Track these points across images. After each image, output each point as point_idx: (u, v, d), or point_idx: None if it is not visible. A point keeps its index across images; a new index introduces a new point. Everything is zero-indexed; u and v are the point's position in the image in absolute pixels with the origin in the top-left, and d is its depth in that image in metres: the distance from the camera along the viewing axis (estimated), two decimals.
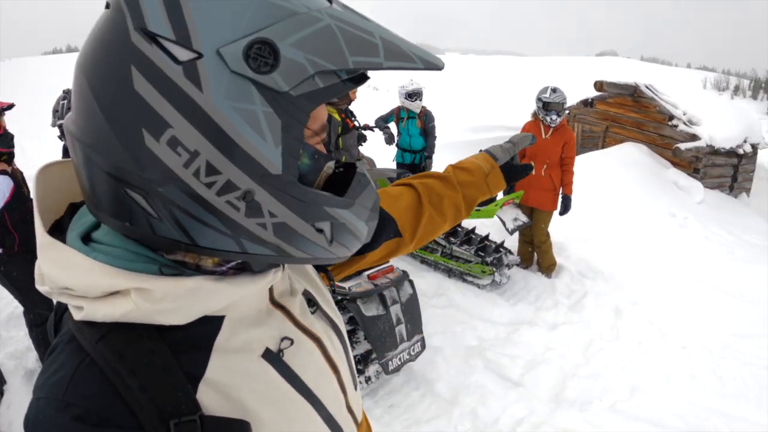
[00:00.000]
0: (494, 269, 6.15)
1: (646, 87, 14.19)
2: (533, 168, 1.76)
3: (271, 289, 0.94)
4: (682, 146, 12.61)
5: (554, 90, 6.36)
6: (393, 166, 8.31)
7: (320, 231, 0.81)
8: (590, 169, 10.92)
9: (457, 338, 5.34)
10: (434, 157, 8.26)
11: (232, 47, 0.68)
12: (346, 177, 0.90)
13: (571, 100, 16.38)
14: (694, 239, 9.39)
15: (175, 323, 0.78)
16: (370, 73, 0.82)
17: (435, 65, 0.80)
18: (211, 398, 0.80)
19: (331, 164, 0.88)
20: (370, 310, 4.30)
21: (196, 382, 0.79)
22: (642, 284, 6.72)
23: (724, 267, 8.03)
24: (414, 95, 7.82)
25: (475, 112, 26.01)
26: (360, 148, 7.50)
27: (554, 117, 6.26)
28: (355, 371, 1.12)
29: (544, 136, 6.42)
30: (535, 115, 6.54)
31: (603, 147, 14.54)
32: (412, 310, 4.52)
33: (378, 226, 1.37)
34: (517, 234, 6.73)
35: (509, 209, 6.24)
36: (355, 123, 7.13)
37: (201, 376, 0.80)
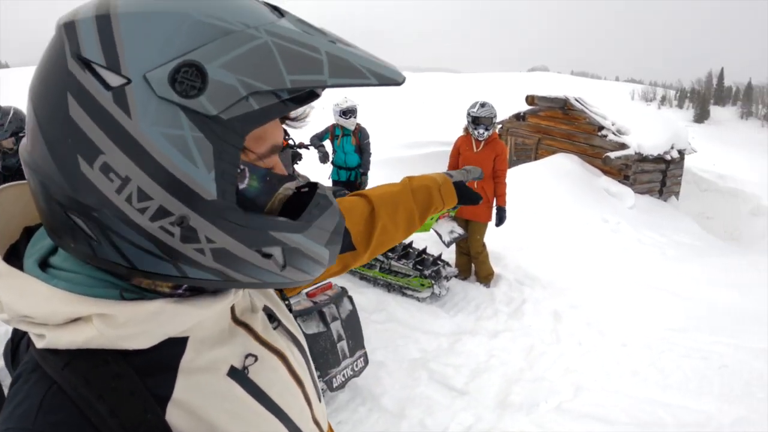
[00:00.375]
0: (433, 282, 6.22)
1: (576, 100, 14.65)
2: (482, 199, 1.80)
3: (232, 307, 0.93)
4: (612, 155, 13.01)
5: (483, 105, 6.50)
6: (329, 183, 8.31)
7: (268, 256, 0.79)
8: (524, 181, 11.15)
9: (399, 352, 5.35)
10: (369, 173, 8.31)
11: (158, 71, 0.66)
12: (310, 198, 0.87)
13: (505, 114, 16.84)
14: (628, 242, 9.68)
15: (139, 347, 0.77)
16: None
17: (391, 80, 0.76)
18: (180, 419, 0.79)
19: (290, 185, 0.85)
20: (311, 327, 4.29)
21: (165, 404, 0.78)
22: (579, 288, 6.94)
23: (658, 267, 8.36)
24: (348, 113, 7.86)
25: (410, 129, 26.37)
26: (295, 166, 7.49)
27: (482, 131, 6.40)
28: (318, 383, 1.12)
29: (475, 150, 6.55)
30: (466, 129, 6.67)
31: (536, 159, 14.89)
32: (352, 326, 4.52)
33: None
34: (454, 246, 6.85)
35: (445, 222, 6.31)
36: (290, 141, 7.13)
37: (169, 398, 0.79)
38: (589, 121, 14.28)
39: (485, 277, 6.85)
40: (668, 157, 14.97)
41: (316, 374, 1.18)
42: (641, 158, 13.73)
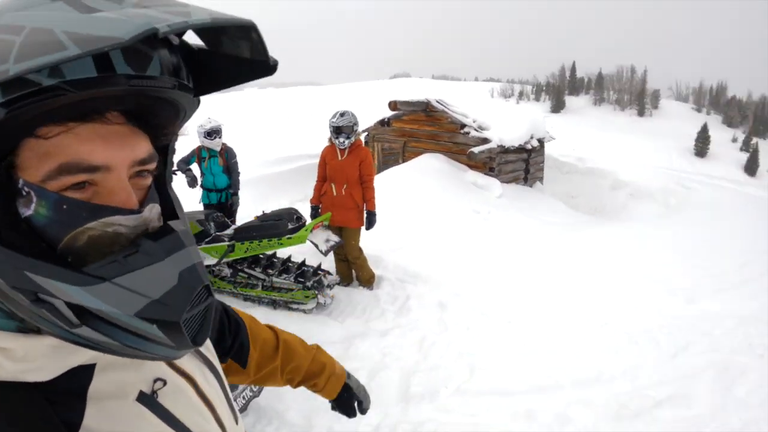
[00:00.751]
0: (316, 292, 6.26)
1: (437, 101, 15.13)
2: (356, 415, 1.74)
3: None
4: (476, 150, 13.54)
5: (342, 114, 6.61)
6: (200, 207, 8.17)
7: (40, 302, 0.67)
8: (393, 183, 11.36)
9: None
10: (240, 193, 8.25)
11: None
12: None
13: (371, 121, 17.13)
14: (500, 229, 10.12)
15: (41, 380, 0.72)
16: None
17: (109, 41, 0.55)
18: None
19: (123, 221, 0.70)
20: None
21: (76, 431, 0.74)
22: (460, 277, 7.28)
23: (530, 247, 8.89)
24: (213, 133, 7.77)
25: (278, 145, 26.20)
26: None
27: (344, 140, 6.52)
28: (235, 406, 1.09)
29: (340, 158, 6.67)
30: (331, 140, 6.77)
31: (403, 162, 15.18)
32: None
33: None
34: (332, 254, 6.92)
35: (320, 232, 6.39)
36: None
37: (79, 425, 0.74)
38: (452, 120, 14.83)
39: (367, 280, 6.96)
40: (529, 147, 15.76)
41: (232, 396, 1.13)
42: (504, 150, 14.39)
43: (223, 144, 8.02)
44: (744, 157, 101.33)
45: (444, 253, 8.15)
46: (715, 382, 4.89)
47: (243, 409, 4.31)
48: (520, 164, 16.03)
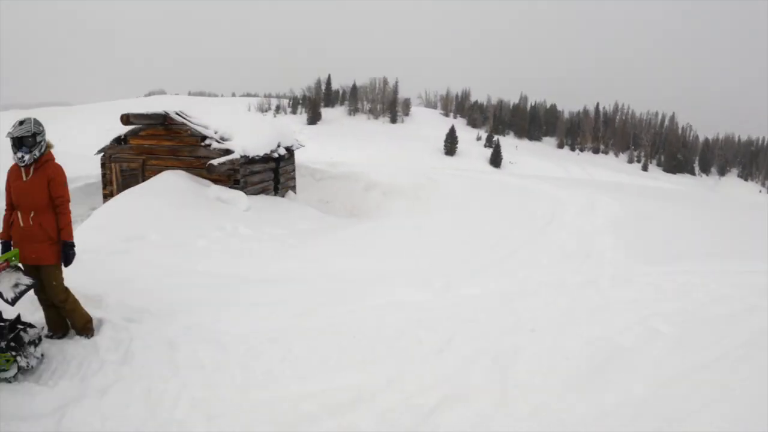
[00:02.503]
0: (14, 354, 4.95)
1: (177, 113, 14.08)
2: None
3: None
4: (215, 162, 12.83)
5: (21, 122, 5.36)
6: None
7: None
8: (129, 206, 10.32)
9: None
10: None
11: None
12: None
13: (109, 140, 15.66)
14: (247, 243, 9.59)
15: None
16: None
17: None
18: None
19: None
20: None
21: None
22: (196, 305, 6.40)
23: (278, 258, 8.50)
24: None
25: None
26: None
27: (23, 155, 5.28)
28: None
29: (25, 178, 5.41)
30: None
31: (143, 181, 13.98)
32: None
33: None
34: (37, 301, 5.71)
35: (6, 275, 5.10)
36: None
37: None
38: (192, 132, 13.88)
39: (83, 326, 5.74)
40: (276, 155, 15.32)
41: None
42: (248, 160, 13.77)
43: None
44: (488, 152, 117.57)
45: (182, 278, 7.27)
46: (491, 370, 4.64)
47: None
48: (269, 174, 15.55)
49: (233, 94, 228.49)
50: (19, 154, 5.26)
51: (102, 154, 15.85)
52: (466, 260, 7.76)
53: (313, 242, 9.62)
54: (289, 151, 16.59)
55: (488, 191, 16.60)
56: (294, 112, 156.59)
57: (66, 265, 5.56)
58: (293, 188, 17.39)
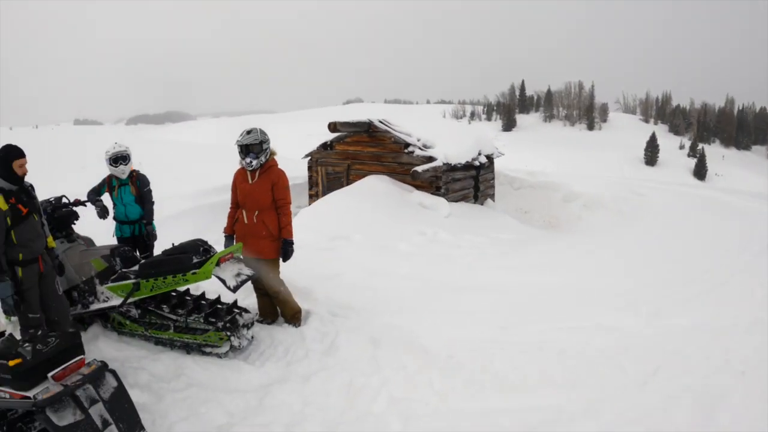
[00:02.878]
0: (229, 334, 5.48)
1: (380, 122, 14.65)
2: None
3: None
4: (419, 168, 13.01)
5: (249, 131, 5.93)
6: (113, 242, 7.43)
7: None
8: (336, 207, 10.79)
9: (203, 420, 4.60)
10: (162, 229, 7.55)
11: None
12: None
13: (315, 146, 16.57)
14: (447, 249, 9.57)
15: None
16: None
17: None
18: None
19: None
20: (65, 417, 3.50)
21: None
22: (399, 307, 6.54)
23: (478, 267, 8.28)
24: (119, 159, 7.09)
25: (216, 174, 25.08)
26: (73, 226, 6.68)
27: (251, 160, 5.85)
28: None
29: (251, 181, 5.98)
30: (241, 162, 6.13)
31: (348, 185, 14.65)
32: (120, 406, 3.75)
33: None
34: (254, 289, 6.28)
35: (229, 265, 5.60)
36: (64, 200, 6.35)
37: None
38: (395, 140, 14.33)
39: (292, 316, 6.20)
40: (477, 163, 15.33)
41: None
42: (450, 168, 13.89)
43: (135, 171, 7.33)
44: (692, 162, 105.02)
45: (384, 280, 7.48)
46: (693, 411, 4.27)
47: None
48: (469, 182, 15.60)
49: (428, 102, 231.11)
50: (247, 160, 5.86)
51: (309, 158, 16.88)
52: (673, 285, 7.20)
53: (514, 253, 9.45)
54: (489, 158, 16.58)
55: (696, 208, 15.31)
56: (489, 118, 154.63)
57: (284, 261, 6.04)
58: (492, 196, 17.34)
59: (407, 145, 14.16)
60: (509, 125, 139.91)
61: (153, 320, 5.90)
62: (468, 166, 15.17)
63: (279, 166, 6.07)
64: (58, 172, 21.41)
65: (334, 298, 6.71)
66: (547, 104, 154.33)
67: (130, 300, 5.73)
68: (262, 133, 5.91)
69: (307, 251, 7.92)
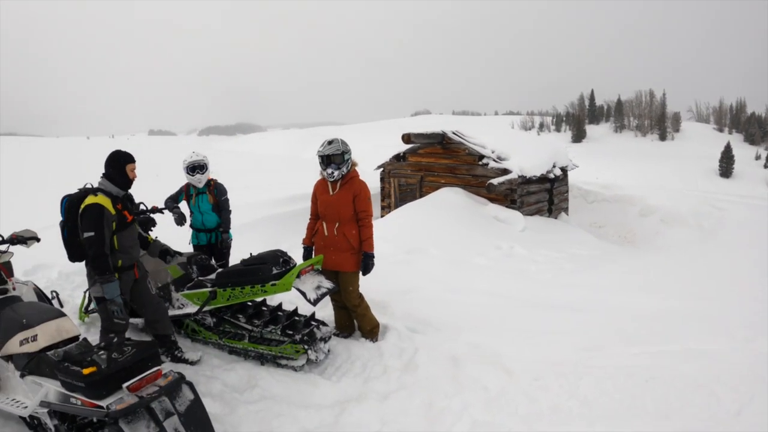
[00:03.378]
0: (306, 347, 5.34)
1: (454, 133, 14.45)
2: None
3: None
4: (495, 181, 12.71)
5: (330, 142, 5.77)
6: (190, 249, 7.45)
7: None
8: (409, 219, 10.62)
9: None
10: (239, 236, 7.53)
11: None
12: None
13: (388, 158, 16.47)
14: (523, 264, 9.27)
15: None
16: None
17: None
18: None
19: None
20: (138, 430, 3.43)
21: None
22: (478, 324, 6.23)
23: (557, 283, 7.92)
24: (196, 168, 7.13)
25: (294, 183, 25.33)
26: (151, 233, 6.73)
27: (332, 171, 5.70)
28: None
29: (331, 192, 5.83)
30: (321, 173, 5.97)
31: (421, 197, 14.48)
32: (195, 419, 3.62)
33: None
34: (331, 301, 6.12)
35: (309, 277, 5.52)
36: (141, 207, 6.43)
37: None
38: (469, 152, 14.10)
39: (369, 331, 6.00)
40: (551, 176, 14.96)
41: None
42: (525, 180, 13.56)
43: (212, 180, 7.36)
44: None
45: (462, 295, 7.23)
46: None
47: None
48: (544, 195, 15.23)
49: (496, 113, 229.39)
50: (329, 171, 5.72)
51: (381, 169, 16.78)
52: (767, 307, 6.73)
53: (593, 270, 9.05)
54: (563, 171, 16.19)
55: None
56: (558, 129, 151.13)
57: (364, 274, 5.84)
58: (566, 210, 16.90)
59: (481, 157, 13.89)
60: (579, 136, 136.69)
61: (228, 329, 5.84)
62: (543, 179, 14.81)
63: (360, 177, 5.93)
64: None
65: (412, 313, 6.49)
66: (618, 114, 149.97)
67: (206, 308, 5.69)
68: (344, 143, 5.76)
69: (384, 263, 7.71)
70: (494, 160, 13.64)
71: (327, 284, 5.53)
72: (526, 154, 14.10)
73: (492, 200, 13.34)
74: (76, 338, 4.43)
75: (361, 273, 5.86)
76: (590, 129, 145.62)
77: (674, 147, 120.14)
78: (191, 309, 5.80)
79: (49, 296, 7.40)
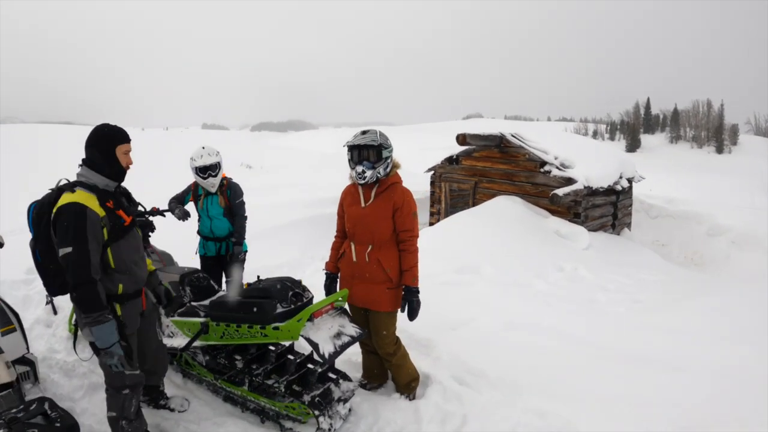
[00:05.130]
0: (317, 411, 3.94)
1: (513, 136, 12.99)
2: None
3: None
4: (560, 192, 11.16)
5: (364, 132, 4.24)
6: (196, 259, 6.25)
7: None
8: (461, 231, 9.29)
9: None
10: (256, 245, 6.30)
11: None
12: None
13: (439, 160, 15.13)
14: (591, 292, 7.85)
15: None
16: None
17: None
18: None
19: None
20: None
21: None
22: (545, 382, 4.73)
23: (635, 323, 6.41)
24: (207, 170, 5.79)
25: (327, 186, 24.04)
26: (150, 238, 5.62)
27: (364, 169, 4.13)
28: None
29: (363, 204, 4.29)
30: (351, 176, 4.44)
31: (474, 204, 13.04)
32: None
33: None
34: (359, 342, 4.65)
35: (327, 320, 4.13)
36: (140, 208, 5.17)
37: None
38: (530, 157, 12.60)
39: (406, 385, 4.53)
40: (619, 188, 13.42)
41: None
42: (591, 192, 12.01)
43: (226, 178, 6.04)
44: None
45: (523, 333, 5.79)
46: None
47: None
48: (609, 208, 13.65)
49: (548, 119, 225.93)
50: (359, 169, 4.15)
51: (432, 172, 15.42)
52: None
53: (673, 306, 7.36)
54: (629, 182, 14.59)
55: None
56: (612, 138, 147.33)
57: (410, 317, 4.29)
58: (628, 225, 15.30)
59: (543, 163, 12.32)
60: (633, 146, 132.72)
61: (225, 368, 4.57)
62: (609, 191, 13.27)
63: (404, 184, 4.41)
64: (178, 171, 20.82)
65: (462, 356, 5.02)
66: (674, 124, 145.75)
67: (197, 344, 4.47)
68: (383, 135, 4.23)
69: (430, 284, 6.33)
70: (557, 168, 12.05)
71: (351, 330, 4.16)
72: (591, 163, 12.46)
73: (552, 212, 11.85)
74: (8, 385, 3.32)
75: (406, 316, 4.31)
76: (645, 138, 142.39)
77: (731, 160, 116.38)
78: (180, 341, 4.60)
79: (45, 300, 6.45)
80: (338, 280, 4.54)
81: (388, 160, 4.21)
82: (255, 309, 4.05)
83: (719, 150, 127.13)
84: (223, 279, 6.17)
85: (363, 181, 4.19)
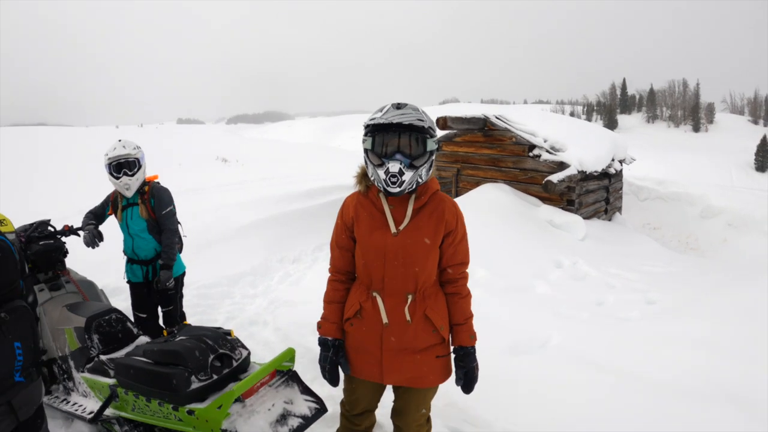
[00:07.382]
0: None
1: (498, 118, 11.89)
2: None
3: None
4: (554, 178, 10.08)
5: (398, 106, 2.60)
6: (126, 287, 5.10)
7: None
8: None
9: None
10: (217, 250, 5.24)
11: None
12: None
13: None
14: (598, 293, 6.89)
15: None
16: None
17: None
18: None
19: None
20: None
21: None
22: (572, 428, 3.68)
23: (658, 333, 5.21)
24: (122, 166, 4.50)
25: (319, 175, 22.95)
26: (64, 263, 4.48)
27: (402, 169, 2.55)
28: None
29: (395, 228, 2.71)
30: (362, 178, 2.84)
31: (457, 194, 12.01)
32: None
33: None
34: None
35: (265, 397, 2.94)
36: (50, 228, 4.12)
37: None
38: (517, 140, 11.54)
39: None
40: (612, 171, 12.45)
41: None
42: (584, 177, 10.97)
43: (149, 182, 4.77)
44: None
45: (532, 361, 4.72)
46: None
47: None
48: (602, 193, 12.68)
49: (525, 101, 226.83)
50: (394, 167, 2.56)
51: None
52: None
53: (694, 305, 6.20)
54: (621, 164, 13.65)
55: None
56: (588, 119, 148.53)
57: (468, 390, 2.91)
58: (619, 209, 14.41)
59: (532, 147, 11.27)
60: (610, 126, 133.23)
61: None
62: (603, 175, 12.28)
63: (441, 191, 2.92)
64: (153, 168, 19.65)
65: (459, 400, 3.87)
66: (650, 104, 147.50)
67: (109, 413, 3.33)
68: (421, 112, 2.63)
69: None
70: (548, 151, 10.95)
71: (302, 408, 3.01)
72: (584, 145, 11.36)
73: (544, 200, 10.83)
74: None
75: (459, 387, 2.91)
76: (622, 119, 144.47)
77: (708, 139, 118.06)
78: (92, 405, 3.48)
79: None
80: (343, 350, 2.92)
81: (433, 157, 2.71)
82: (163, 380, 2.92)
83: (696, 128, 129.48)
84: (160, 311, 4.99)
85: (397, 189, 2.62)
